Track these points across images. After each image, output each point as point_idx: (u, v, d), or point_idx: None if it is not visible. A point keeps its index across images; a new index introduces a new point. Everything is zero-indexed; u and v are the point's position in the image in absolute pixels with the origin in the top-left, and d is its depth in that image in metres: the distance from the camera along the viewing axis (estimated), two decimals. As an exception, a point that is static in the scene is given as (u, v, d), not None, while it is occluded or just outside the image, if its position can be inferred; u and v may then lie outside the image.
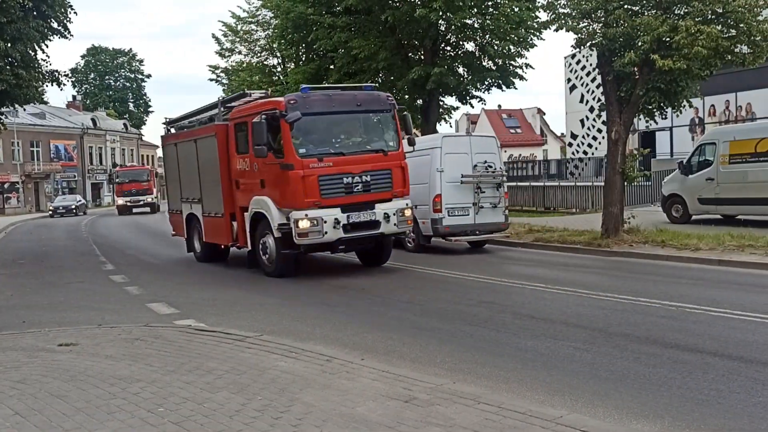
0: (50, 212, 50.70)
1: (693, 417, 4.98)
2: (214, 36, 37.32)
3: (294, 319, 8.97)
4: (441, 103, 23.99)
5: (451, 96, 23.45)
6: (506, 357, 6.73)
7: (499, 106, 68.85)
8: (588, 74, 39.91)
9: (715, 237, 13.72)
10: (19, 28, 14.76)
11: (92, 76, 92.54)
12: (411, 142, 13.58)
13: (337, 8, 23.11)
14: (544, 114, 73.29)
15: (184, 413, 4.88)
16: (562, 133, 58.75)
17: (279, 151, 12.08)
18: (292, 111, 11.83)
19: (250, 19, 35.47)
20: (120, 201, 47.36)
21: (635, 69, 14.66)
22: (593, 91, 38.93)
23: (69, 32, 17.08)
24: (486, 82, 22.52)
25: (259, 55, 36.06)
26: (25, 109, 41.57)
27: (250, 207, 13.02)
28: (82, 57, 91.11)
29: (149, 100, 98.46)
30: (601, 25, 14.74)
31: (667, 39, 13.55)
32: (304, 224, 11.86)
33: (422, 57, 22.45)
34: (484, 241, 16.28)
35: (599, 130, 37.70)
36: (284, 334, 7.85)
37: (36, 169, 63.45)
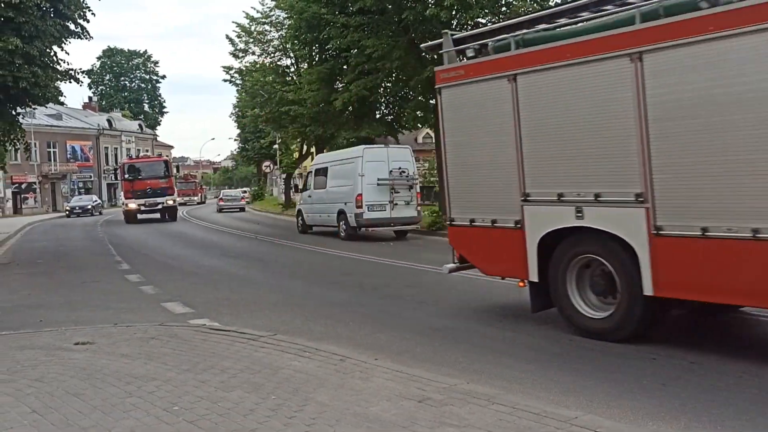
0: (66, 212, 51.18)
1: (710, 418, 4.94)
2: (227, 37, 37.44)
3: (307, 318, 8.99)
4: (455, 102, 23.92)
5: (465, 95, 23.38)
6: (520, 357, 6.71)
7: (513, 105, 68.60)
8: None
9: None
10: (36, 26, 14.90)
11: (108, 77, 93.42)
12: None
13: (351, 8, 23.14)
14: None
15: (198, 412, 4.91)
16: (577, 133, 58.32)
17: None
18: None
19: (263, 20, 35.63)
20: (131, 204, 34.33)
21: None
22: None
23: (88, 33, 17.21)
24: (499, 82, 22.44)
25: (272, 55, 36.24)
26: (45, 107, 42.07)
27: None
28: (98, 58, 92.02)
29: (164, 101, 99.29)
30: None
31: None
32: None
33: (435, 56, 22.42)
34: (405, 231, 20.67)
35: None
36: (298, 333, 7.87)
37: (53, 170, 64.10)
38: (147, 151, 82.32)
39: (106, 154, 73.66)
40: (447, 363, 6.56)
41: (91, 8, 16.95)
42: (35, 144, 60.08)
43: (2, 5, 14.30)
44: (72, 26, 16.75)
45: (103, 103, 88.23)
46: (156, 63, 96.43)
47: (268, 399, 5.16)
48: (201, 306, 10.07)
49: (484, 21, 21.43)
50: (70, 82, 17.49)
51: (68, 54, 28.07)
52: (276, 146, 50.22)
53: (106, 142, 73.41)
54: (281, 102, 31.30)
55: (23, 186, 60.89)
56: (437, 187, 28.23)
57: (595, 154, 6.80)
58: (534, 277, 7.60)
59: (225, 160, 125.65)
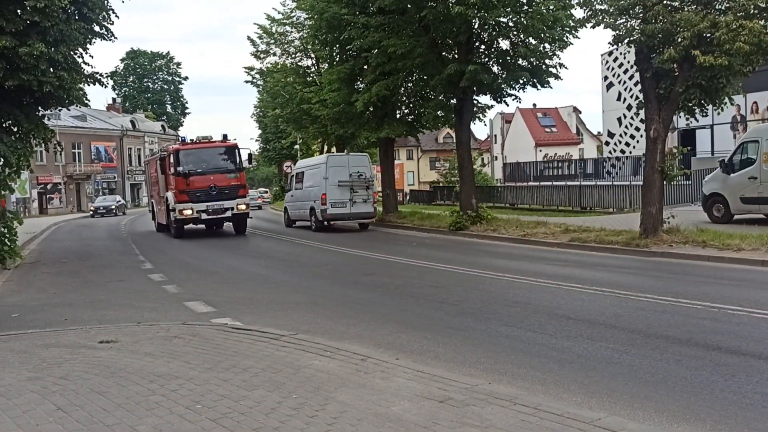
0: (91, 212, 51.83)
1: (736, 421, 4.86)
2: (249, 38, 37.60)
3: (328, 318, 9.00)
4: (475, 102, 23.84)
5: (485, 95, 23.29)
6: (543, 358, 6.66)
7: (534, 104, 68.28)
8: (625, 72, 39.27)
9: (758, 237, 13.37)
10: (61, 30, 15.08)
11: (131, 78, 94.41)
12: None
13: (371, 8, 23.14)
14: (580, 112, 72.48)
15: (221, 410, 4.94)
16: (599, 132, 57.94)
17: None
18: None
19: (284, 21, 35.77)
20: (185, 210, 22.81)
21: (674, 66, 14.38)
22: (631, 89, 38.29)
23: (112, 35, 17.38)
24: (520, 81, 22.32)
25: (293, 56, 36.35)
26: (67, 110, 42.58)
27: None
28: (122, 60, 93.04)
29: (186, 102, 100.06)
30: (639, 21, 14.49)
31: (708, 35, 13.26)
32: None
33: (456, 55, 22.35)
34: (366, 223, 25.19)
35: (637, 129, 37.04)
36: (319, 332, 7.88)
37: (77, 171, 64.92)
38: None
39: (130, 155, 74.45)
40: (469, 363, 6.53)
41: (115, 10, 17.14)
42: (62, 145, 60.95)
43: (28, 9, 14.48)
44: (96, 28, 16.93)
45: (127, 104, 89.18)
46: (178, 65, 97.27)
47: (289, 398, 5.17)
48: (223, 305, 10.13)
49: (505, 20, 21.34)
50: (95, 85, 17.67)
51: (92, 57, 27.74)
52: (297, 146, 50.39)
53: (130, 142, 74.20)
54: (302, 102, 31.39)
55: (48, 186, 61.75)
56: (458, 187, 28.13)
57: None
58: None
59: (245, 160, 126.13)
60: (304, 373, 5.81)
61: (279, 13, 36.21)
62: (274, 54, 37.13)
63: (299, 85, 33.04)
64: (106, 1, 16.91)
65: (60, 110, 18.57)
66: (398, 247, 18.28)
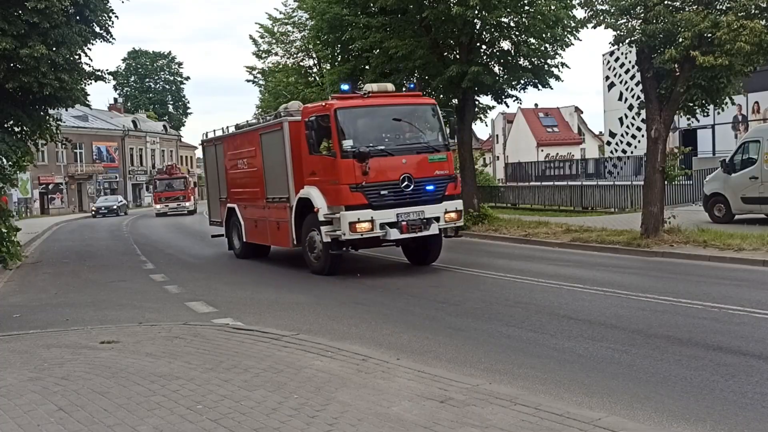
0: (92, 212, 51.88)
1: (736, 421, 4.86)
2: (251, 37, 37.64)
3: (330, 318, 9.01)
4: (476, 102, 23.84)
5: (487, 95, 23.29)
6: (543, 358, 6.66)
7: (536, 104, 68.18)
8: (627, 72, 39.25)
9: (760, 237, 13.36)
10: (62, 32, 15.10)
11: (133, 78, 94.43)
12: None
13: (373, 8, 23.14)
14: (582, 112, 72.36)
15: (222, 411, 4.95)
16: (600, 132, 57.92)
17: None
18: None
19: (286, 21, 35.78)
20: (361, 224, 12.07)
21: (675, 66, 14.37)
22: (632, 89, 38.27)
23: (111, 36, 17.41)
24: (521, 81, 22.32)
25: (295, 56, 36.34)
26: (68, 110, 42.62)
27: None
28: (123, 60, 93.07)
29: (188, 102, 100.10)
30: (640, 21, 14.48)
31: (709, 35, 13.25)
32: None
33: (458, 56, 22.35)
34: None
35: (638, 129, 37.06)
36: (320, 333, 7.90)
37: (79, 171, 64.96)
38: (171, 151, 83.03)
39: (131, 155, 74.50)
40: (469, 363, 6.54)
41: (115, 12, 17.16)
42: (70, 141, 60.99)
43: (28, 10, 14.50)
44: (97, 29, 16.95)
45: (128, 104, 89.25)
46: (180, 64, 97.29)
47: (290, 398, 5.18)
48: (224, 305, 10.15)
49: (506, 20, 21.33)
50: (96, 81, 17.67)
51: (91, 60, 27.31)
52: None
53: (132, 143, 74.24)
54: (304, 103, 31.37)
55: (50, 186, 61.79)
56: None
57: None
58: None
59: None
60: (305, 374, 5.82)
61: (281, 13, 36.24)
62: (276, 54, 37.15)
63: (301, 85, 33.05)
64: (106, 3, 16.94)
65: (60, 113, 18.45)
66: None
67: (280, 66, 36.77)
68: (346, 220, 11.93)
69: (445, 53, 22.91)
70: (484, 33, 22.14)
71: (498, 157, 60.60)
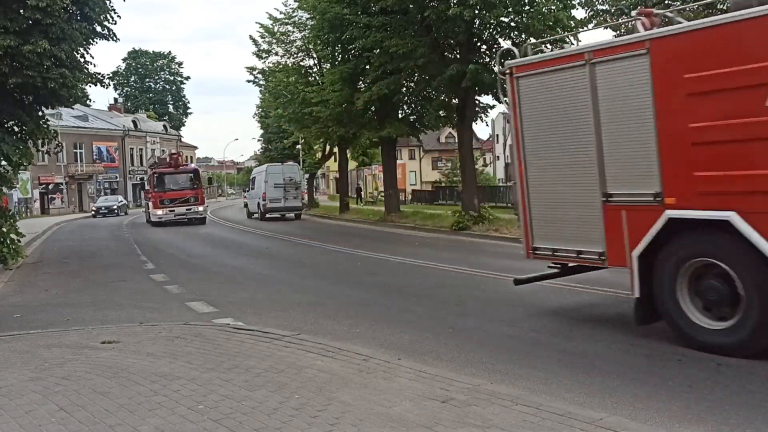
0: (93, 212, 51.90)
1: (738, 421, 4.86)
2: (251, 37, 37.62)
3: (331, 318, 9.01)
4: (477, 101, 23.85)
5: (487, 94, 23.30)
6: (545, 358, 6.65)
7: (536, 104, 68.05)
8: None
9: None
10: (63, 28, 15.12)
11: (133, 78, 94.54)
12: None
13: (373, 8, 23.16)
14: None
15: (223, 411, 4.94)
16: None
17: None
18: None
19: (286, 21, 35.79)
20: None
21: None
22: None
23: (114, 35, 17.41)
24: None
25: (295, 55, 36.37)
26: (69, 110, 42.54)
27: None
28: (123, 60, 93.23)
29: (188, 102, 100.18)
30: (640, 21, 14.48)
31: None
32: None
33: (458, 55, 22.37)
34: (295, 215, 34.82)
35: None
36: (321, 333, 7.89)
37: (79, 171, 65.00)
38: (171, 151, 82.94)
39: (132, 155, 74.55)
40: (471, 363, 6.53)
41: (116, 11, 17.16)
42: (62, 145, 61.08)
43: (30, 8, 14.52)
44: (98, 28, 16.97)
45: (128, 104, 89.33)
46: (180, 64, 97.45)
47: (291, 398, 5.17)
48: (225, 305, 10.14)
49: (506, 20, 21.34)
50: (96, 85, 17.69)
51: (93, 57, 27.25)
52: (299, 146, 50.43)
53: (132, 142, 74.28)
54: (304, 102, 31.44)
55: (50, 187, 61.83)
56: (460, 187, 28.15)
57: None
58: None
59: (248, 160, 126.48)
60: (306, 374, 5.82)
61: (281, 13, 36.26)
62: (276, 54, 37.17)
63: (301, 85, 33.07)
64: (107, 1, 16.95)
65: (60, 112, 18.50)
66: (400, 247, 18.29)
67: (281, 66, 36.80)
68: None
69: (446, 52, 22.95)
70: (484, 32, 22.16)
71: (498, 157, 60.58)
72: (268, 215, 34.13)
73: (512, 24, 21.53)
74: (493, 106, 26.01)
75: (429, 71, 22.84)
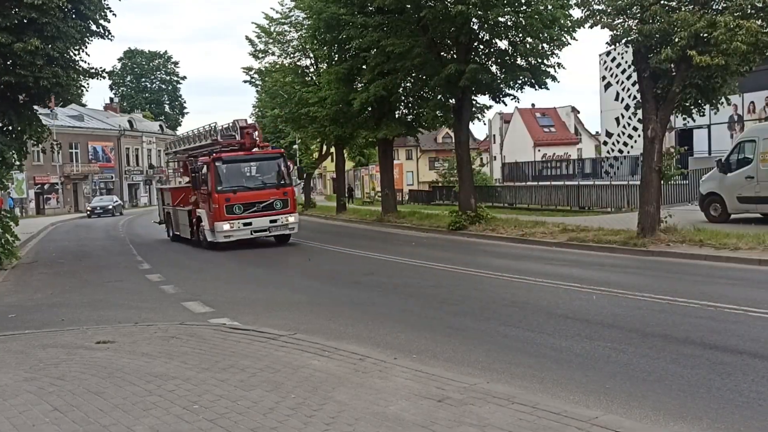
0: (88, 213, 51.75)
1: (733, 419, 4.86)
2: (247, 38, 37.50)
3: (326, 318, 9.00)
4: (473, 101, 23.84)
5: (484, 94, 23.28)
6: (541, 357, 6.66)
7: (533, 104, 68.23)
8: (623, 72, 39.28)
9: (755, 236, 13.37)
10: (58, 26, 15.08)
11: (129, 78, 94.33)
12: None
13: (370, 8, 23.13)
14: (579, 112, 72.46)
15: (218, 410, 4.93)
16: (597, 132, 57.93)
17: None
18: None
19: (282, 20, 35.73)
20: None
21: (672, 66, 14.39)
22: (629, 89, 38.28)
23: (110, 33, 17.35)
24: (519, 81, 22.31)
25: (292, 55, 36.30)
26: (64, 109, 42.41)
27: None
28: (119, 60, 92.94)
29: (184, 102, 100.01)
30: (636, 21, 14.49)
31: (705, 35, 13.26)
32: None
33: (455, 55, 22.35)
34: None
35: (635, 128, 37.08)
36: (317, 332, 7.87)
37: (75, 171, 64.82)
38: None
39: (128, 155, 74.37)
40: (467, 362, 6.53)
41: (112, 9, 17.11)
42: (59, 144, 60.90)
43: (25, 6, 14.48)
44: (93, 26, 16.92)
45: (124, 104, 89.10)
46: (176, 64, 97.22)
47: (287, 398, 5.16)
48: (221, 305, 10.12)
49: (504, 19, 21.33)
50: (93, 78, 17.56)
51: (89, 55, 26.99)
52: (296, 146, 50.38)
53: (127, 142, 74.09)
54: (301, 102, 31.39)
55: (46, 187, 61.64)
56: (456, 187, 28.16)
57: None
58: None
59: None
60: (302, 373, 5.81)
61: (277, 12, 36.20)
62: (273, 54, 37.10)
63: (298, 85, 33.02)
64: (103, 0, 16.90)
65: (56, 112, 18.41)
66: (397, 246, 18.28)
67: (277, 66, 36.73)
68: None
69: (443, 52, 22.91)
70: (482, 32, 22.14)
71: (495, 157, 60.60)
72: None
73: (509, 24, 21.52)
74: (490, 107, 26.06)
75: (426, 71, 22.81)
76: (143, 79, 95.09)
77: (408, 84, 25.98)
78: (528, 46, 21.55)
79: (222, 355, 6.54)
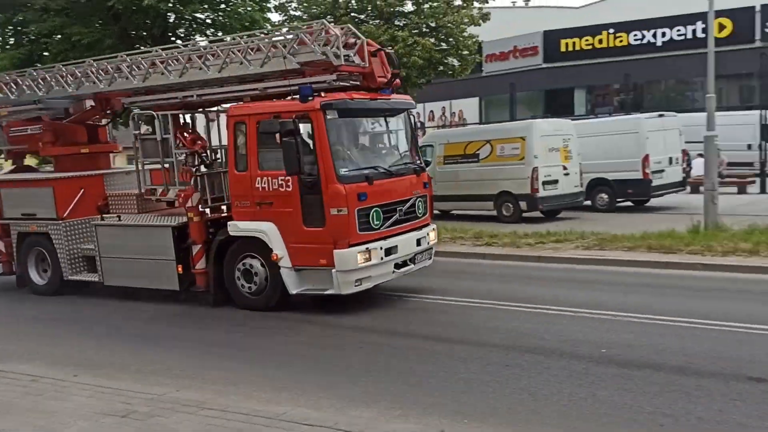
0: None
1: (409, 397, 5.29)
2: None
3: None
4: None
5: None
6: (240, 360, 6.58)
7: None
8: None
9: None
10: None
11: None
12: None
13: (53, -10, 20.99)
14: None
15: None
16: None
17: None
18: None
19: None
20: None
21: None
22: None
23: None
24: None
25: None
26: None
27: None
28: None
29: None
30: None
31: (389, 48, 14.52)
32: None
33: (150, 47, 21.34)
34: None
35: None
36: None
37: None
38: None
39: None
40: (156, 372, 6.17)
41: None
42: None
43: None
44: None
45: None
46: None
47: (-66, 435, 4.41)
48: None
49: (203, 17, 20.94)
50: None
51: None
52: None
53: None
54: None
55: None
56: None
57: None
58: None
59: None
60: (-44, 404, 5.01)
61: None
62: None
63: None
64: None
65: None
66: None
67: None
68: None
69: (137, 45, 21.72)
70: (180, 27, 21.49)
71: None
72: None
73: (208, 21, 21.21)
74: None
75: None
76: None
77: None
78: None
79: None
